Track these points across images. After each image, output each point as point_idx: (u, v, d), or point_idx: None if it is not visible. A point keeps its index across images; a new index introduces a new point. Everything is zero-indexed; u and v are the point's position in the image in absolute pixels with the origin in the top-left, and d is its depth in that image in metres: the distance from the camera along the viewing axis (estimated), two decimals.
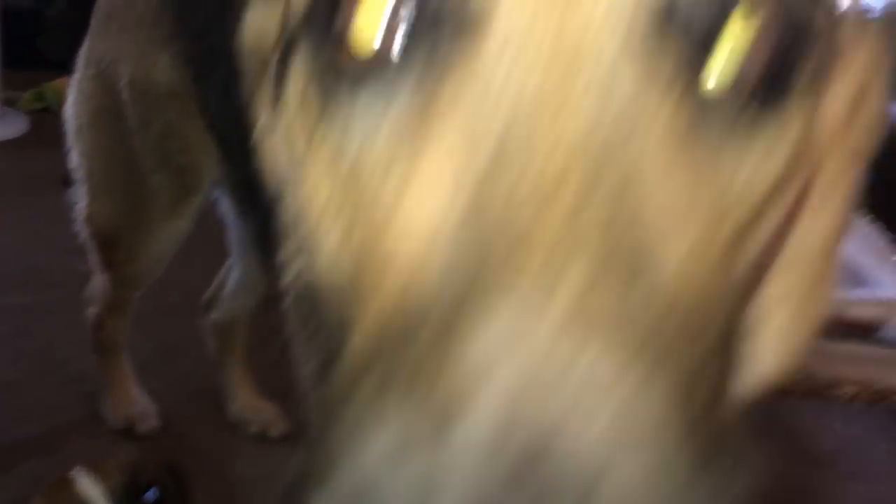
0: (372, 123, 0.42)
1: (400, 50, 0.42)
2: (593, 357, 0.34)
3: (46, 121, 3.59)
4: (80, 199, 1.60)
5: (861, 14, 0.49)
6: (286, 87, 0.49)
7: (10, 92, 3.56)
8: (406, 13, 0.41)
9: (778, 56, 0.42)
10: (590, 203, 0.37)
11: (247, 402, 2.00)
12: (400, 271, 0.39)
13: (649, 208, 0.39)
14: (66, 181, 2.97)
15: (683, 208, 0.40)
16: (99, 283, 1.74)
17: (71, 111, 1.54)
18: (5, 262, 2.47)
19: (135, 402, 1.94)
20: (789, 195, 0.47)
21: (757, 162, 0.43)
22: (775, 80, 0.42)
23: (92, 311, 1.82)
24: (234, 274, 1.86)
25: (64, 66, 3.50)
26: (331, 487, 0.34)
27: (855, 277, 2.39)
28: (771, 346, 0.54)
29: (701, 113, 0.41)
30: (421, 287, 0.37)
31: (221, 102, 1.21)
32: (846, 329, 2.28)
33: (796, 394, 2.14)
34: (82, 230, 1.61)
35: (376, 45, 0.42)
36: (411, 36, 0.41)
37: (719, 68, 0.41)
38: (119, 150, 1.49)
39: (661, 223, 0.39)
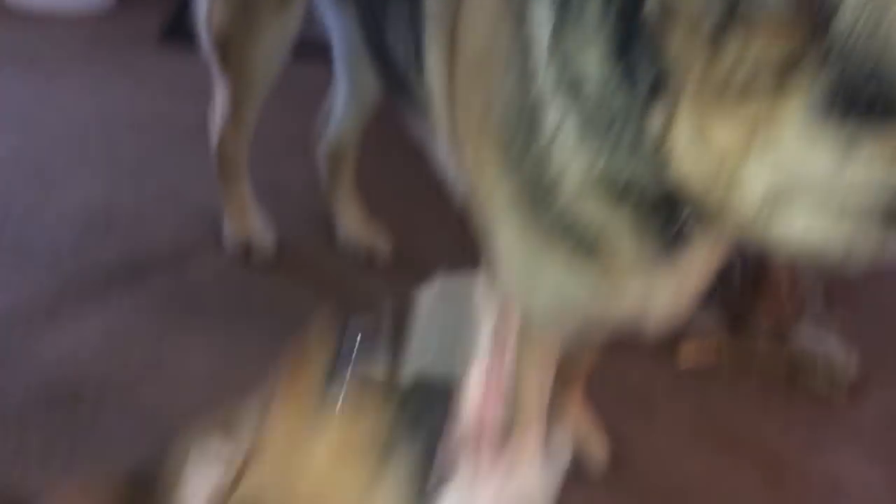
0: None
1: None
2: None
3: None
4: (200, 6, 1.71)
5: None
6: None
7: None
8: None
9: None
10: None
11: (356, 228, 2.11)
12: None
13: None
14: (164, 34, 3.06)
15: None
16: (220, 98, 1.85)
17: None
18: (115, 111, 2.62)
19: (253, 228, 2.07)
20: None
21: None
22: None
23: (215, 129, 1.93)
24: (341, 90, 1.94)
25: None
26: None
27: None
28: None
29: None
30: None
31: None
32: None
33: None
34: (202, 35, 1.72)
35: None
36: None
37: None
38: None
39: None
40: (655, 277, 1.01)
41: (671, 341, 1.91)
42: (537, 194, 0.96)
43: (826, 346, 1.93)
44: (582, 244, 0.96)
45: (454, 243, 1.42)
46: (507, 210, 1.02)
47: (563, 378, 1.54)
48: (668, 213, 0.90)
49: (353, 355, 0.68)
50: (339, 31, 1.80)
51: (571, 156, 0.90)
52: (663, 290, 1.04)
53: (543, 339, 1.16)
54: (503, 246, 1.07)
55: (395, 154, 2.05)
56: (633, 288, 1.02)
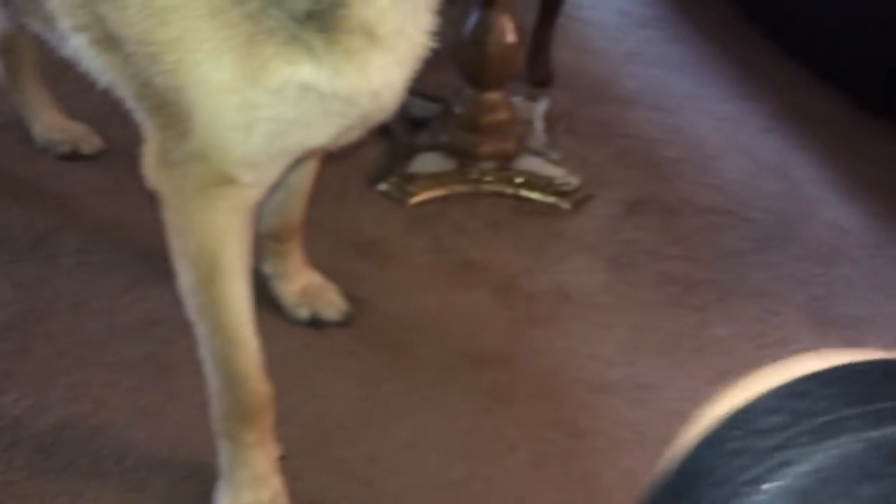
0: None
1: None
2: None
3: None
4: None
5: None
6: None
7: None
8: None
9: None
10: None
11: (52, 123, 1.93)
12: None
13: None
14: None
15: None
16: None
17: None
18: None
19: None
20: None
21: None
22: None
23: None
24: None
25: None
26: None
27: None
28: None
29: None
30: None
31: None
32: None
33: None
34: None
35: None
36: None
37: None
38: None
39: None
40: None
41: (400, 185, 1.94)
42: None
43: (548, 170, 2.04)
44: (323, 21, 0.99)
45: None
46: (217, 47, 0.99)
47: (278, 235, 1.52)
48: None
49: None
50: None
51: None
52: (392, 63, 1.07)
53: (243, 197, 1.12)
54: (211, 96, 1.01)
55: None
56: (373, 63, 1.04)
